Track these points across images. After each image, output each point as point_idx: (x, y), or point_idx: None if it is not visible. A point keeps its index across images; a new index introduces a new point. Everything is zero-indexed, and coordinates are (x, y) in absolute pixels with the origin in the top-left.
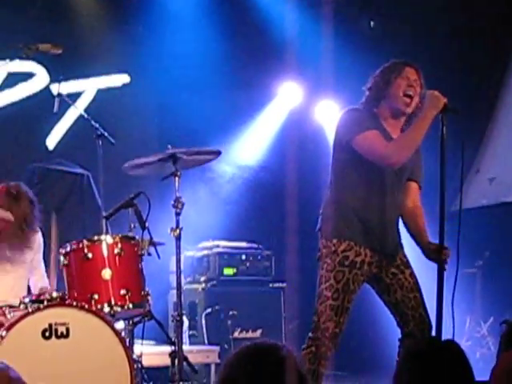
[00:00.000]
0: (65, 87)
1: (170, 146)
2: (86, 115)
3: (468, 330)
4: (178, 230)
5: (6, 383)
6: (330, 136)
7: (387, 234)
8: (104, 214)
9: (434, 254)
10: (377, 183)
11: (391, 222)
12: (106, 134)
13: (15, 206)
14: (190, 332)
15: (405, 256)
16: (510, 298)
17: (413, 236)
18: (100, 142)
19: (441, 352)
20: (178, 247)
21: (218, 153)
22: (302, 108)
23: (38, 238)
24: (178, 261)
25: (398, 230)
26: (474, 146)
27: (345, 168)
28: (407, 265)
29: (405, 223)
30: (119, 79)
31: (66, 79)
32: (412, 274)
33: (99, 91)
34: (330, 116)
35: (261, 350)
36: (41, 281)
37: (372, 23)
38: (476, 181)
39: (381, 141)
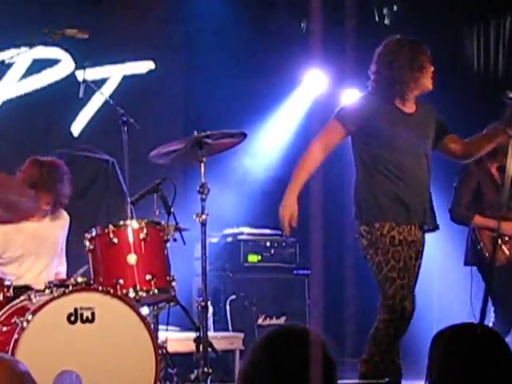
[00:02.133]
0: (90, 74)
1: (195, 132)
2: (111, 101)
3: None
4: (203, 216)
5: (15, 377)
6: None
7: (419, 205)
8: (129, 199)
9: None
10: (401, 159)
11: (422, 194)
12: (131, 120)
13: (56, 181)
14: (215, 318)
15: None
16: None
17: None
18: (125, 129)
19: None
20: (204, 233)
21: (244, 135)
22: (327, 96)
23: (67, 218)
24: (204, 247)
25: (431, 202)
26: None
27: (366, 151)
28: (422, 255)
29: (472, 154)
30: (145, 66)
31: (92, 66)
32: (420, 265)
33: (125, 77)
34: None
35: (289, 334)
36: (61, 266)
37: (395, 8)
38: None
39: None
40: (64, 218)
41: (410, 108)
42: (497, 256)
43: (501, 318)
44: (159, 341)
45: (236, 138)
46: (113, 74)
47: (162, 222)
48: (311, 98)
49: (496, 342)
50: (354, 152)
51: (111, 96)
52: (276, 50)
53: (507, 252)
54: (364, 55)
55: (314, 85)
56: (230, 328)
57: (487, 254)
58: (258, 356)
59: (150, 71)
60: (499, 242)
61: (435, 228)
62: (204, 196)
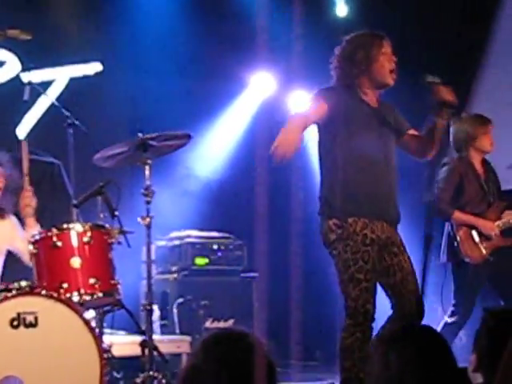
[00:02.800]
0: (36, 76)
1: (140, 134)
2: (57, 104)
3: (439, 320)
4: (148, 219)
5: None
6: None
7: (389, 200)
8: (74, 202)
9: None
10: (368, 153)
11: (391, 188)
12: (77, 122)
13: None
14: (162, 322)
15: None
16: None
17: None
18: (71, 131)
19: (416, 337)
20: (149, 236)
21: (189, 136)
22: (274, 99)
23: (14, 221)
24: (149, 249)
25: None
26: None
27: (331, 146)
28: (405, 249)
29: (425, 154)
30: (92, 68)
31: (38, 67)
32: (409, 259)
33: (72, 80)
34: (303, 105)
35: (228, 338)
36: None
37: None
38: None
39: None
40: (9, 222)
41: (373, 103)
42: (473, 253)
43: (461, 315)
44: (104, 345)
45: (181, 139)
46: (59, 76)
47: (106, 225)
48: (258, 101)
49: None
50: (322, 145)
51: (58, 98)
52: (223, 52)
53: (484, 252)
54: (312, 57)
55: (261, 87)
56: (178, 331)
57: (463, 252)
58: (197, 360)
59: (97, 73)
60: (477, 239)
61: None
62: (149, 199)
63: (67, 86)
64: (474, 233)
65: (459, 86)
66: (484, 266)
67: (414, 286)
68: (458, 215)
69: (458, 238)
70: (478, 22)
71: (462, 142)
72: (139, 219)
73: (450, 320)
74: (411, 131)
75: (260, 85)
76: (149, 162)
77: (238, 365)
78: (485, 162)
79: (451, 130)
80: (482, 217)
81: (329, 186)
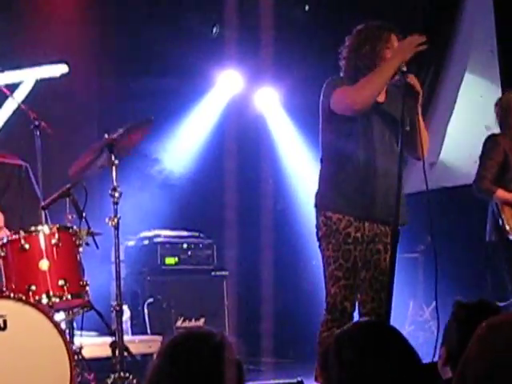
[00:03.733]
0: (2, 78)
1: (106, 135)
2: (22, 106)
3: (411, 315)
4: (115, 219)
5: None
6: (271, 123)
7: (384, 199)
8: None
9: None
10: (367, 150)
11: (388, 187)
12: (43, 124)
13: None
14: (133, 322)
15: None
16: (452, 281)
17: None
18: (38, 133)
19: (369, 334)
20: (117, 236)
21: (150, 121)
22: (241, 97)
23: None
24: (117, 250)
25: (399, 196)
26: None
27: (333, 139)
28: (393, 249)
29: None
30: (58, 69)
31: (3, 70)
32: (391, 259)
33: (38, 81)
34: (270, 103)
35: (193, 338)
36: None
37: (307, 7)
38: (417, 166)
39: (347, 91)
40: None
41: (379, 97)
42: None
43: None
44: (74, 346)
45: (144, 127)
46: (25, 78)
47: (74, 227)
48: (226, 99)
49: None
50: (324, 139)
51: (24, 100)
52: (191, 51)
53: None
54: (279, 54)
55: (228, 85)
56: (149, 331)
57: (508, 229)
58: (162, 361)
59: (63, 74)
60: None
61: (403, 224)
62: (116, 199)
63: (34, 88)
64: None
65: (422, 85)
66: None
67: (381, 286)
68: (501, 193)
69: (503, 216)
70: (442, 24)
71: (506, 118)
72: (107, 220)
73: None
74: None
75: (227, 83)
76: (116, 162)
77: (205, 366)
78: None
79: (495, 107)
80: None
81: (324, 180)
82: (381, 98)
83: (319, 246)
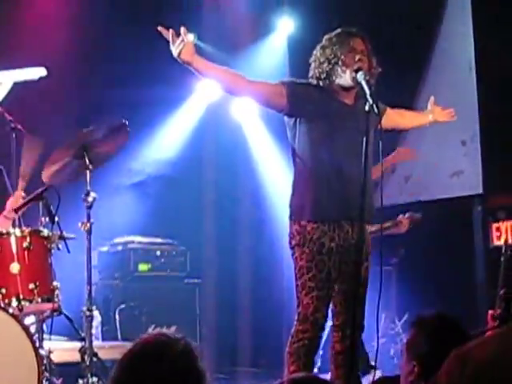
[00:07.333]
0: None
1: (83, 131)
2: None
3: (383, 327)
4: (88, 224)
5: None
6: (247, 131)
7: (358, 200)
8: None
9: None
10: (333, 154)
11: (357, 182)
12: (19, 126)
13: None
14: (104, 328)
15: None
16: (424, 295)
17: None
18: (14, 135)
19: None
20: (89, 241)
21: (125, 125)
22: (219, 104)
23: None
24: (89, 255)
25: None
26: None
27: (299, 147)
28: (367, 258)
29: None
30: (36, 72)
31: None
32: (367, 268)
33: (16, 84)
34: (247, 112)
35: (153, 347)
36: None
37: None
38: (392, 179)
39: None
40: None
41: (349, 99)
42: None
43: None
44: (43, 351)
45: (119, 133)
46: (3, 81)
47: (46, 231)
48: (204, 106)
49: None
50: (292, 147)
51: (1, 103)
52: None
53: None
54: (256, 62)
55: (206, 92)
56: (120, 337)
57: None
58: (119, 371)
59: (42, 78)
60: None
61: (369, 220)
62: (89, 204)
63: (12, 91)
64: None
65: (407, 86)
66: None
67: (354, 298)
68: None
69: None
70: (423, 28)
71: None
72: (80, 224)
73: None
74: (390, 113)
75: (205, 90)
76: (90, 167)
77: (163, 375)
78: None
79: None
80: None
81: (295, 188)
82: (349, 101)
83: (292, 255)
